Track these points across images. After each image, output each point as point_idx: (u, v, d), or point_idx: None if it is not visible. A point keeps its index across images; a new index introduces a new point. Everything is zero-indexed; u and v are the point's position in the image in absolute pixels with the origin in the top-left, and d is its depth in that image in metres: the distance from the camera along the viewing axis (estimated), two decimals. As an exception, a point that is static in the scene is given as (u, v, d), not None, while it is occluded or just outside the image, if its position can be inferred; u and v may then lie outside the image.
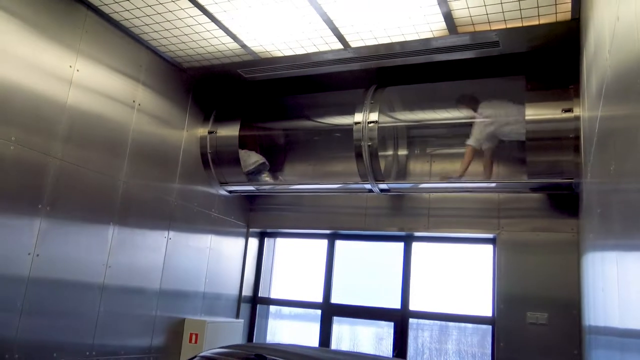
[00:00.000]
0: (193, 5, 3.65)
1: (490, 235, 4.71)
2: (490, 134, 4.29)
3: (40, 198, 3.42)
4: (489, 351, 4.61)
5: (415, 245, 5.14)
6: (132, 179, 4.12)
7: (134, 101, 4.17)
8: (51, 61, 3.51)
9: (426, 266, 5.10)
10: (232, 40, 4.07)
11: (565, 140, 3.79)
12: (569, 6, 3.33)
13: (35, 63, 3.40)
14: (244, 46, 4.15)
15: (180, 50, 4.30)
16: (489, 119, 4.26)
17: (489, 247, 4.79)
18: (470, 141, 4.35)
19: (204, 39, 4.09)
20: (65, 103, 3.60)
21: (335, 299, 5.37)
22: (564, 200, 4.35)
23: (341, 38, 3.91)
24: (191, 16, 3.78)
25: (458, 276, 4.98)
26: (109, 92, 3.96)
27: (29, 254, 3.32)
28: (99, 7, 3.76)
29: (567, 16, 3.43)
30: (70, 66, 3.63)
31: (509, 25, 3.58)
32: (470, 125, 4.43)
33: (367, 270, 5.42)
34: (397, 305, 5.02)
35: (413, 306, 4.98)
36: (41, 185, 3.43)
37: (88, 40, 3.77)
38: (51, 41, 3.51)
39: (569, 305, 4.15)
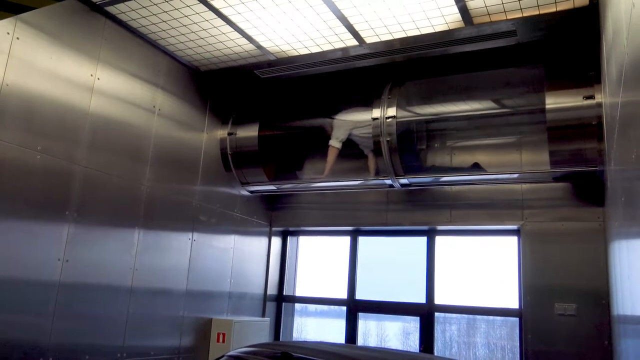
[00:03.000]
0: (207, 9, 3.69)
1: (515, 227, 4.68)
2: (345, 135, 4.76)
3: (67, 205, 3.50)
4: (518, 343, 4.57)
5: (439, 239, 5.13)
6: (155, 183, 4.20)
7: (154, 106, 4.24)
8: (73, 71, 3.59)
9: (450, 260, 5.09)
10: (247, 42, 4.11)
11: (587, 127, 3.74)
12: (586, -9, 3.28)
13: (57, 73, 3.49)
14: (259, 47, 4.19)
15: (197, 54, 4.35)
16: (342, 122, 4.78)
17: (514, 239, 4.75)
18: (331, 142, 4.77)
19: (220, 42, 4.13)
20: (88, 111, 3.68)
21: (360, 295, 5.38)
22: (589, 189, 4.30)
23: (356, 34, 3.92)
24: (206, 20, 3.82)
25: (483, 269, 4.95)
26: (130, 98, 4.03)
27: (59, 259, 3.41)
28: (117, 15, 3.83)
29: (585, 1, 3.38)
30: (92, 75, 3.71)
31: (526, 14, 3.54)
32: (488, 116, 4.41)
33: (391, 265, 5.42)
34: (422, 299, 5.01)
35: (438, 300, 4.96)
36: (67, 192, 3.51)
37: (107, 48, 3.85)
38: (72, 51, 3.59)
39: (597, 295, 4.10)
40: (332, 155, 4.78)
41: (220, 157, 5.02)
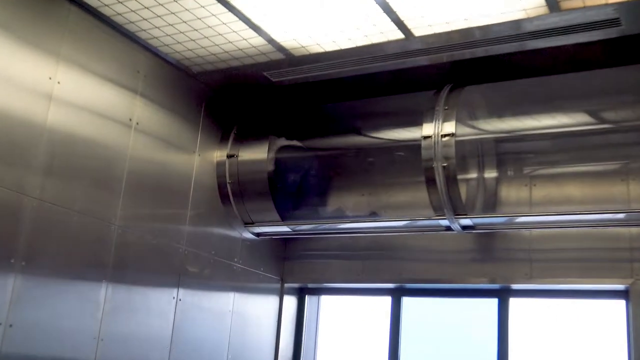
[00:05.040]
0: (204, -8, 3.77)
1: (621, 287, 4.60)
2: None
3: (13, 251, 3.51)
4: None
5: (514, 302, 5.05)
6: (129, 222, 4.21)
7: (130, 119, 4.29)
8: (25, 72, 3.64)
9: (530, 330, 5.02)
10: (255, 34, 4.16)
11: None
12: None
13: (4, 75, 3.53)
14: (271, 41, 4.23)
15: (189, 50, 4.41)
16: None
17: (620, 303, 4.68)
18: None
19: (219, 34, 4.19)
20: (44, 125, 3.73)
21: (405, 377, 5.32)
22: None
23: (401, 25, 3.94)
24: (201, 5, 3.87)
25: (576, 343, 4.87)
26: (99, 109, 4.08)
27: (0, 324, 3.42)
28: (85, 0, 3.90)
29: None
30: (50, 78, 3.77)
31: (634, -4, 3.53)
32: (582, 134, 4.36)
33: (448, 335, 5.37)
34: (492, 380, 4.95)
35: (514, 380, 4.90)
36: (14, 233, 3.53)
37: (72, 42, 3.91)
38: (25, 47, 3.65)
39: None
40: None
41: (216, 187, 5.05)
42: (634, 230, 4.55)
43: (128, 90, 4.29)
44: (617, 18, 3.71)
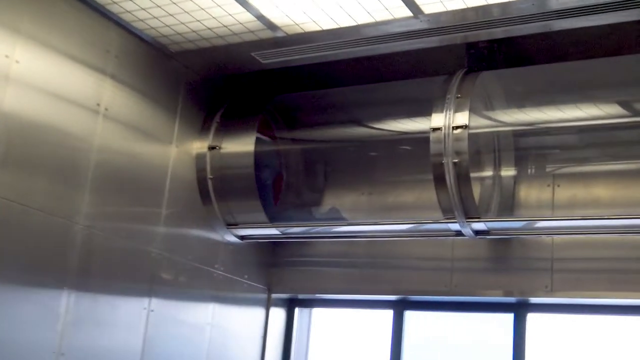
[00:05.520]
0: (185, -41, 3.72)
1: (653, 302, 4.58)
2: None
3: (-38, 253, 3.48)
4: None
5: (532, 318, 5.04)
6: (95, 221, 4.16)
7: (98, 104, 4.23)
8: (-22, 49, 3.61)
9: (550, 348, 5.01)
10: (242, 9, 4.11)
11: None
12: None
13: (-46, 53, 3.50)
14: (260, 17, 4.18)
15: (166, 26, 4.36)
16: None
17: (652, 320, 4.66)
18: None
19: (201, 9, 4.13)
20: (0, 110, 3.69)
21: (407, 399, 5.33)
22: None
23: (409, 1, 3.90)
24: (182, -25, 3.85)
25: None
26: (63, 92, 4.03)
27: (-55, 336, 3.38)
28: (48, -33, 3.86)
29: None
30: (7, 56, 3.71)
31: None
32: (612, 128, 4.34)
33: (456, 355, 5.39)
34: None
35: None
36: (-37, 233, 3.50)
37: (32, 16, 3.85)
38: (-22, 19, 3.62)
39: None
40: None
41: (196, 183, 5.02)
42: (669, 237, 4.53)
43: (96, 71, 4.23)
44: (654, -6, 3.68)
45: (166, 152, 4.78)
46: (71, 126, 4.06)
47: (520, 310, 5.06)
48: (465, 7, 3.91)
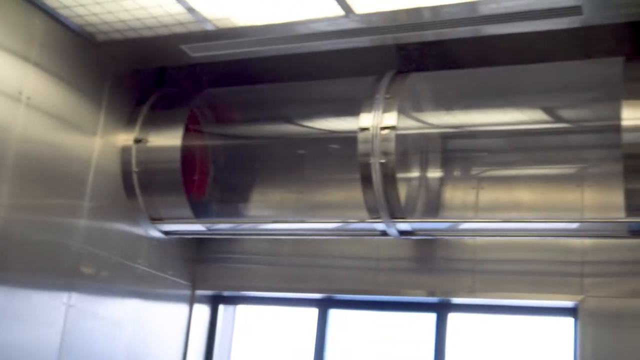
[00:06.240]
0: (114, -54, 3.65)
1: (570, 304, 4.70)
2: None
3: None
4: None
5: (454, 317, 5.11)
6: (13, 213, 4.07)
7: (20, 93, 4.13)
8: None
9: (470, 349, 5.10)
10: (173, 1, 4.04)
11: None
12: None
13: None
14: (190, 10, 4.13)
15: (93, 14, 4.27)
16: None
17: (568, 321, 4.78)
18: None
19: (130, -1, 4.09)
20: None
21: (330, 396, 5.36)
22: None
23: (341, 0, 3.91)
24: (111, -37, 3.78)
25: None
26: (-18, 79, 3.94)
27: None
28: (-32, -53, 3.74)
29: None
30: None
31: (598, -17, 3.59)
32: (536, 133, 4.42)
33: (379, 353, 5.42)
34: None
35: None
36: None
37: (-50, -2, 3.75)
38: None
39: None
40: None
41: (120, 176, 4.95)
42: (586, 242, 4.65)
43: (19, 59, 4.14)
44: (579, 6, 3.76)
45: (90, 143, 4.70)
46: (-10, 114, 3.99)
47: (442, 310, 5.12)
48: (396, 8, 3.93)
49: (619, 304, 4.48)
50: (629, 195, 3.96)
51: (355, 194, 4.54)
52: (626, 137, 3.90)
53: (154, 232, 5.17)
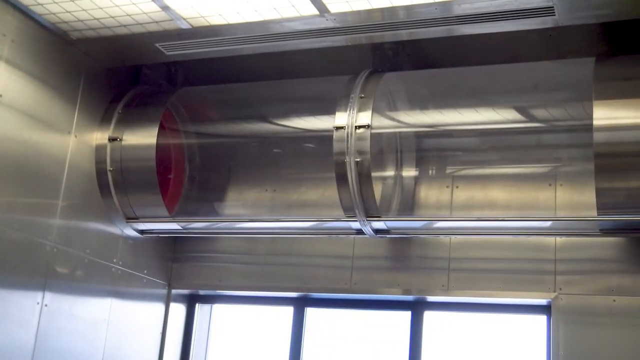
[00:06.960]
0: (87, -56, 3.63)
1: (543, 301, 4.73)
2: None
3: None
4: None
5: (429, 316, 5.13)
6: (-14, 212, 4.04)
7: (-8, 90, 4.12)
8: None
9: (445, 347, 5.11)
10: (148, -1, 4.05)
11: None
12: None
13: None
14: (165, 8, 4.11)
15: (67, 12, 4.24)
16: None
17: (541, 319, 4.81)
18: None
19: (105, -4, 4.07)
20: None
21: (306, 394, 5.36)
22: (655, 248, 4.43)
23: (316, -1, 3.93)
24: (84, -40, 3.75)
25: (493, 359, 5.02)
26: (-47, 76, 3.90)
27: None
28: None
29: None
30: None
31: (571, -17, 3.62)
32: (509, 133, 4.44)
33: (355, 351, 5.43)
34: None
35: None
36: None
37: None
38: None
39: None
40: None
41: (95, 174, 4.91)
42: (559, 240, 4.68)
43: (-9, 55, 4.12)
44: (551, 7, 3.80)
45: (64, 142, 4.66)
46: (-38, 112, 3.95)
47: (417, 308, 5.13)
48: (370, 7, 3.94)
49: (592, 302, 4.51)
50: (600, 194, 4.00)
51: (330, 192, 4.56)
52: (597, 137, 3.93)
53: (129, 231, 5.14)
